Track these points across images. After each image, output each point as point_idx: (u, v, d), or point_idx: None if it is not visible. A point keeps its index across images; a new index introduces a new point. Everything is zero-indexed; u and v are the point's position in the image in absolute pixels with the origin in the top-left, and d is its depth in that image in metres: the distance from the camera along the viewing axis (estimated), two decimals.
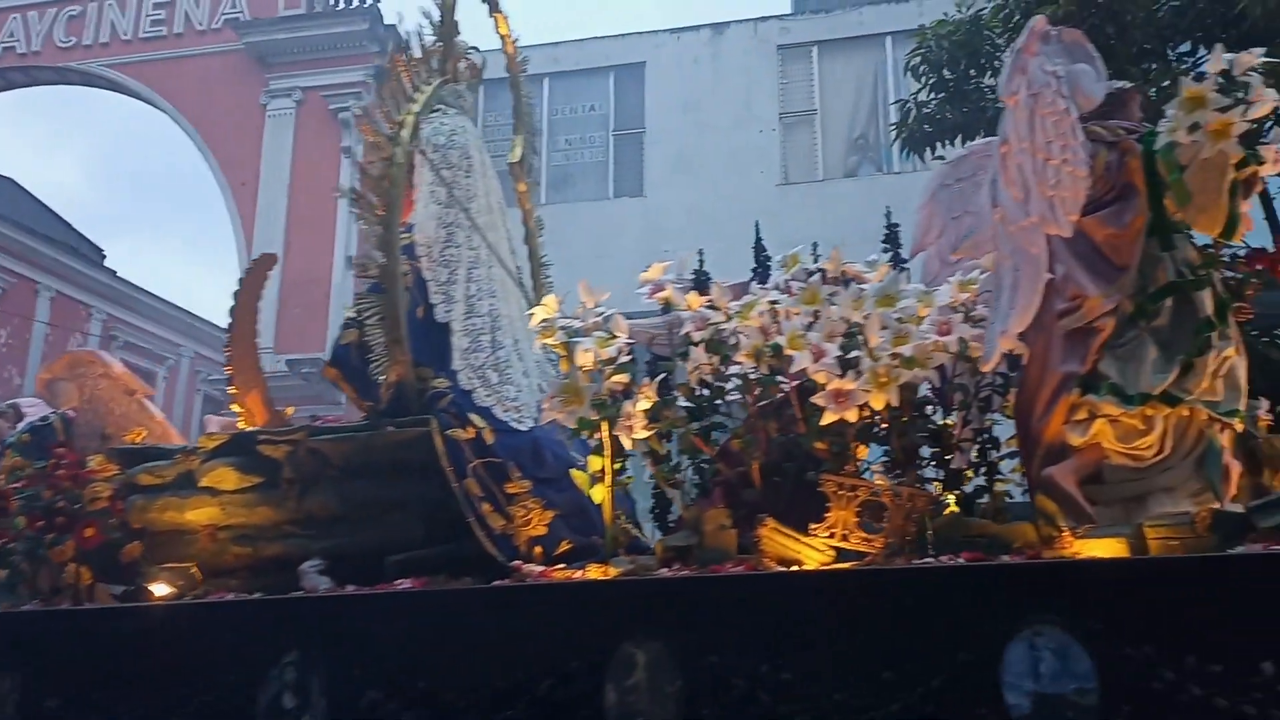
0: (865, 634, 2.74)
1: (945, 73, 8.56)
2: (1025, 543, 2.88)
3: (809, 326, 3.21)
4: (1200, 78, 3.12)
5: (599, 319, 3.23)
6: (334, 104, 14.78)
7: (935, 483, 3.53)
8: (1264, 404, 3.53)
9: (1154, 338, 3.19)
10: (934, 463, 3.56)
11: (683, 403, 3.48)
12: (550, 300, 3.37)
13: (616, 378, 3.16)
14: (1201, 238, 3.39)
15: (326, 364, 4.05)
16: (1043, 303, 3.42)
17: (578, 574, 3.17)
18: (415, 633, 3.19)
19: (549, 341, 3.25)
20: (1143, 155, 3.27)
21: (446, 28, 4.54)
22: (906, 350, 2.98)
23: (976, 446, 3.60)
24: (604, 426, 3.16)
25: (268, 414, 4.35)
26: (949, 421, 3.57)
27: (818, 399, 3.07)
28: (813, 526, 3.10)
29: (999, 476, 3.63)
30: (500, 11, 5.37)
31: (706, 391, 3.47)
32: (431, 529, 3.55)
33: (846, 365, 3.18)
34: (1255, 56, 3.11)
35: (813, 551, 3.05)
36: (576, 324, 3.32)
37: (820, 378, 3.05)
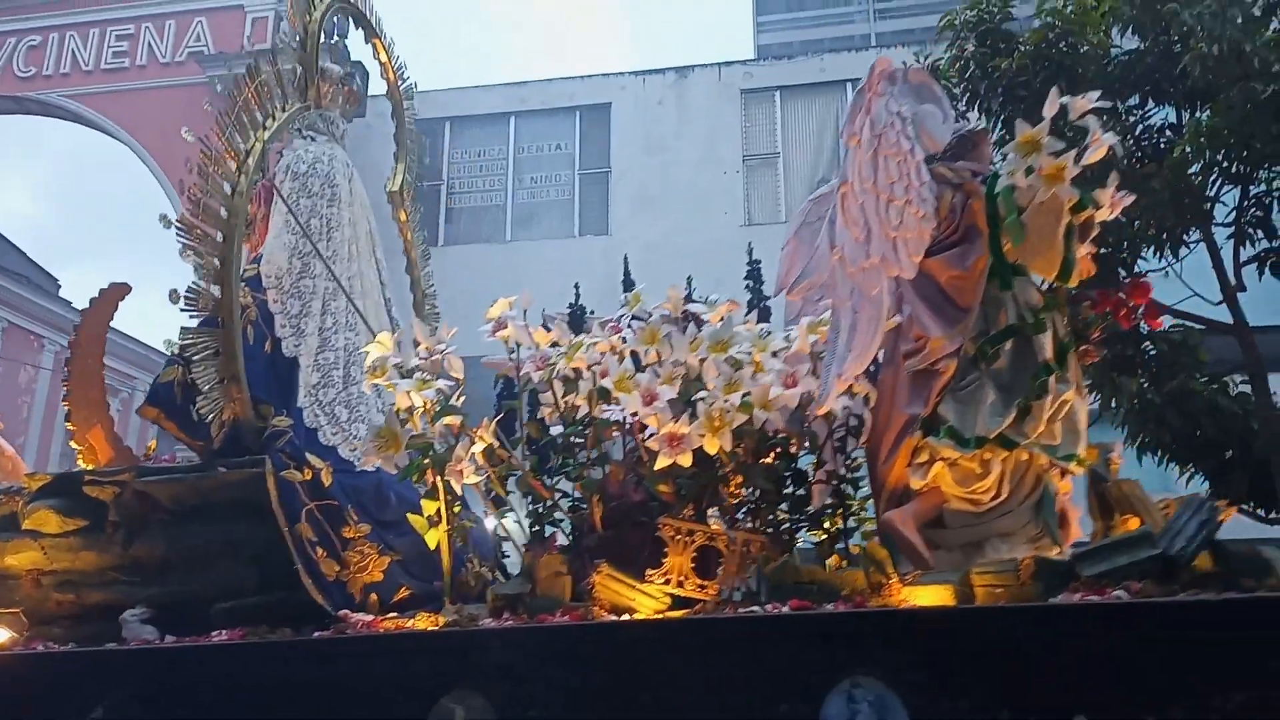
0: (691, 685, 2.66)
1: None
2: (854, 590, 2.81)
3: (648, 368, 3.13)
4: (1047, 120, 3.12)
5: (435, 359, 3.11)
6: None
7: (787, 526, 3.48)
8: (1116, 447, 3.55)
9: (994, 380, 3.18)
10: (786, 507, 3.52)
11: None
12: (385, 337, 3.24)
13: (447, 419, 3.05)
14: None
15: (145, 404, 3.85)
16: (893, 343, 3.42)
17: (409, 623, 3.03)
18: (235, 685, 3.03)
19: (378, 381, 3.12)
20: (985, 197, 3.27)
21: (310, 53, 4.41)
22: (735, 398, 2.91)
23: (832, 489, 3.56)
24: (433, 471, 3.04)
25: (112, 451, 4.13)
26: (819, 463, 3.54)
27: (651, 443, 2.99)
28: (649, 573, 3.02)
29: (856, 518, 3.61)
30: (379, 38, 5.27)
31: (553, 432, 3.38)
32: (264, 575, 3.38)
33: (691, 408, 3.12)
34: (1090, 101, 3.13)
35: (646, 599, 2.96)
36: (415, 362, 3.20)
37: (652, 421, 2.97)
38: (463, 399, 3.16)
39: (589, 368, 3.10)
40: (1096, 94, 3.16)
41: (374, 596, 3.35)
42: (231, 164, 3.69)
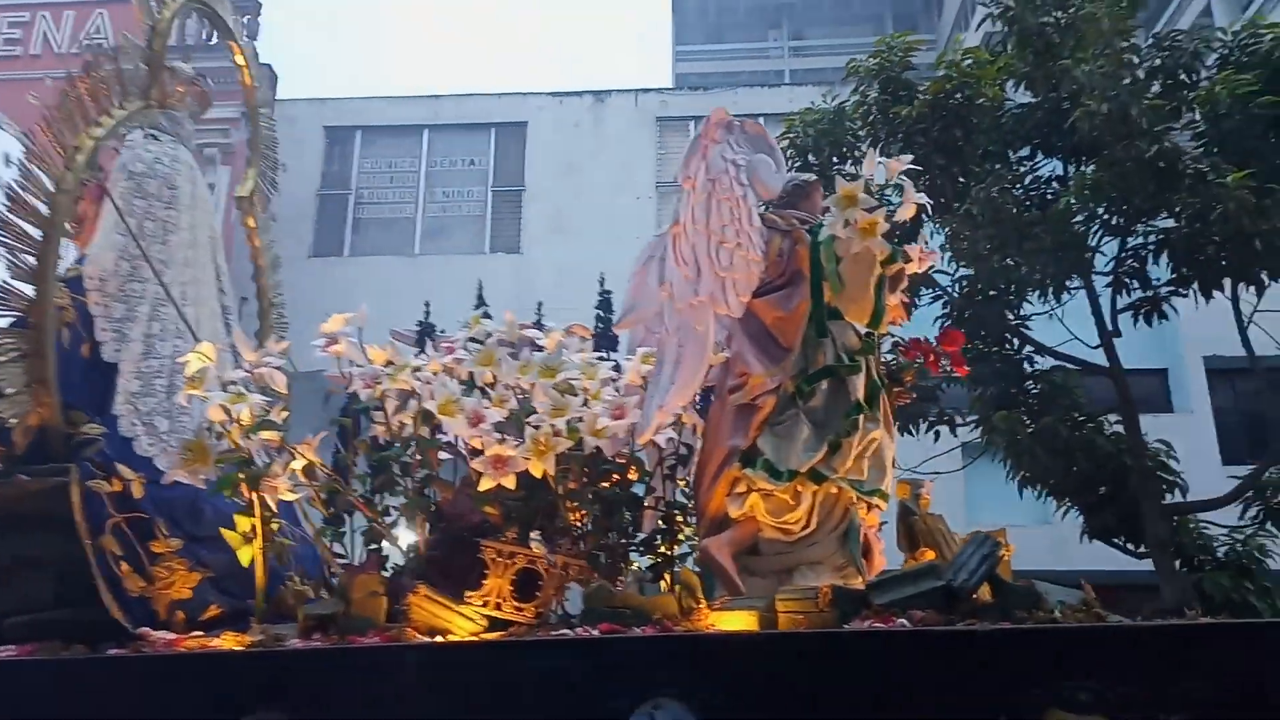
0: (499, 706, 2.68)
1: (810, 158, 9.03)
2: (665, 614, 2.91)
3: (485, 390, 3.17)
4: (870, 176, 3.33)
5: (259, 371, 3.06)
6: (200, 139, 13.79)
7: (613, 550, 3.56)
8: (927, 484, 3.78)
9: (809, 417, 3.35)
10: (616, 530, 3.60)
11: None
12: (207, 348, 3.17)
13: (265, 435, 3.00)
14: None
15: None
16: (722, 378, 3.56)
17: (213, 642, 2.95)
18: (24, 703, 2.87)
19: (195, 392, 3.04)
20: (810, 245, 3.46)
21: (156, 52, 4.28)
22: (560, 423, 2.97)
23: (660, 514, 3.66)
24: (246, 486, 2.98)
25: None
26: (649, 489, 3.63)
27: (476, 464, 3.02)
28: (468, 594, 3.03)
29: (688, 543, 3.72)
30: (235, 41, 5.15)
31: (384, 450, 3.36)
32: (63, 589, 3.22)
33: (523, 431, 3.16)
34: (903, 163, 3.36)
35: (463, 620, 2.97)
36: (238, 375, 3.14)
37: (477, 443, 3.00)
38: (286, 414, 3.11)
39: (423, 385, 3.11)
40: (909, 157, 3.40)
41: (180, 614, 3.23)
42: (58, 159, 3.54)
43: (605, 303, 4.28)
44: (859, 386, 3.40)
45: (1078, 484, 8.59)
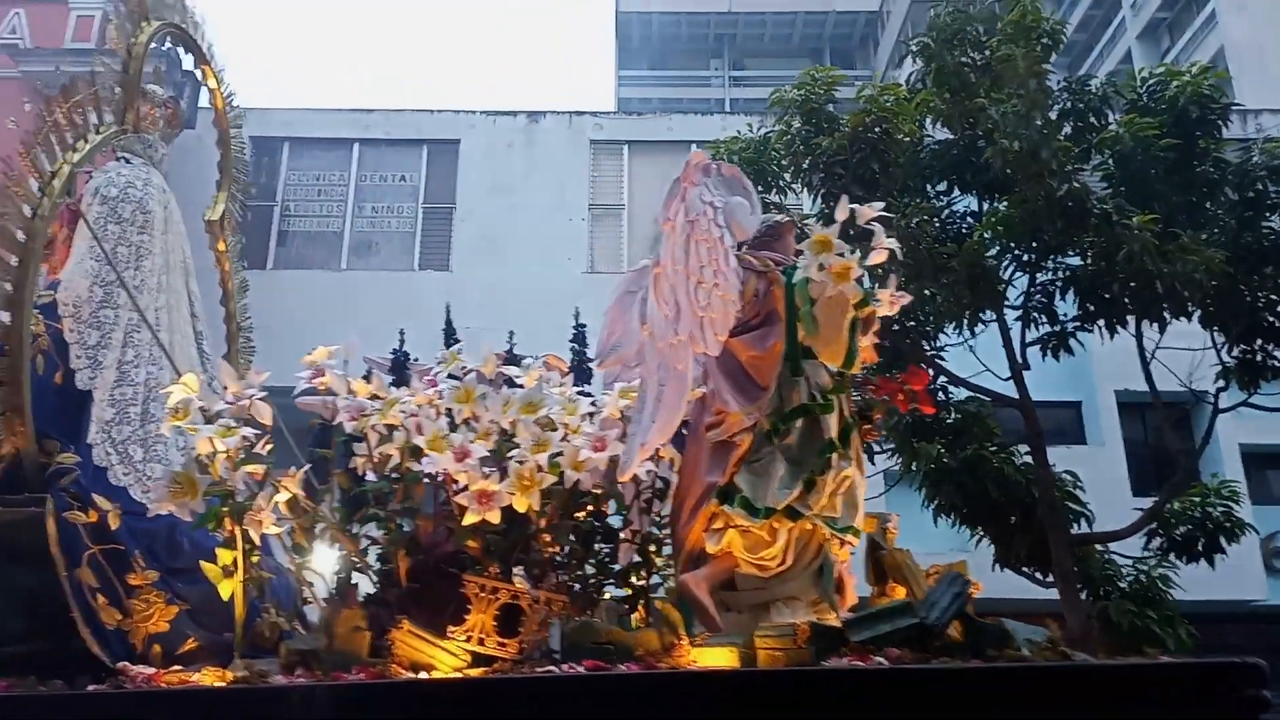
0: None
1: None
2: (647, 650, 2.96)
3: (464, 424, 3.20)
4: (830, 221, 3.44)
5: (242, 404, 3.07)
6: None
7: (598, 581, 3.61)
8: (893, 518, 3.89)
9: (785, 455, 3.44)
10: (594, 563, 3.65)
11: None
12: (190, 378, 3.16)
13: (249, 468, 3.00)
14: None
15: None
16: (699, 414, 3.64)
17: (193, 677, 2.94)
18: None
19: (180, 423, 3.04)
20: (785, 286, 3.55)
21: (132, 76, 4.26)
22: (543, 458, 3.02)
23: (637, 547, 3.72)
24: (229, 519, 2.98)
25: None
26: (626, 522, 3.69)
27: (461, 499, 3.06)
28: (451, 629, 3.06)
29: (661, 575, 3.78)
30: (208, 63, 5.14)
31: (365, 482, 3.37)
32: (35, 622, 3.18)
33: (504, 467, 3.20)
34: (875, 210, 3.48)
35: (447, 656, 3.00)
36: (220, 406, 3.14)
37: (462, 478, 3.04)
38: (270, 446, 3.12)
39: (405, 419, 3.13)
40: (881, 204, 3.52)
41: (157, 648, 3.21)
42: (34, 185, 3.52)
43: (580, 336, 4.30)
44: (832, 425, 3.49)
45: (989, 513, 8.81)
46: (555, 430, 3.19)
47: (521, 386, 3.46)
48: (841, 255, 3.28)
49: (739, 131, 9.93)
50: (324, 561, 3.42)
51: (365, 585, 3.52)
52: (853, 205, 3.42)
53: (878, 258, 3.44)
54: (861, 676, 2.70)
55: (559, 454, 3.14)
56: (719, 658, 2.93)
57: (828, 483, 3.39)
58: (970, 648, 2.93)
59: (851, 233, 3.43)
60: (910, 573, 3.67)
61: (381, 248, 15.29)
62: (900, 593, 3.52)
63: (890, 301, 3.55)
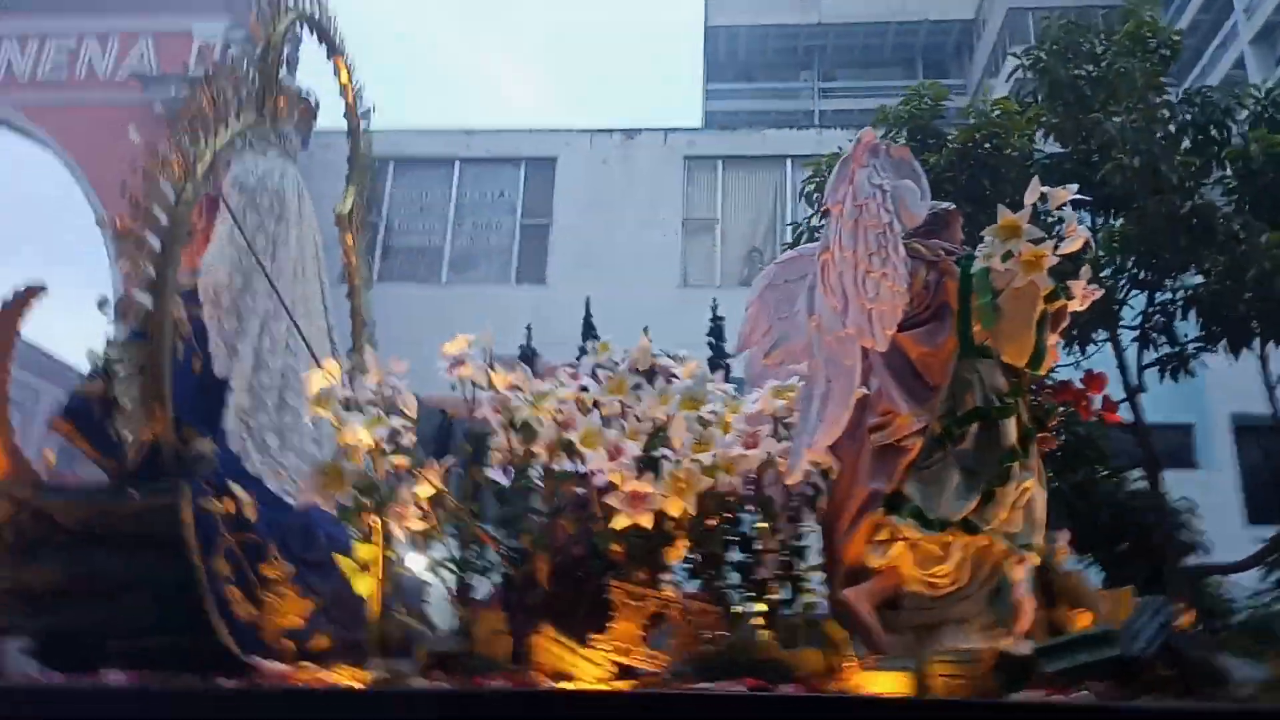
0: None
1: None
2: (809, 671, 2.69)
3: (609, 420, 3.00)
4: (1017, 207, 3.13)
5: (386, 394, 2.92)
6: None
7: (735, 591, 3.36)
8: (1063, 537, 3.53)
9: (958, 462, 3.12)
10: (738, 571, 3.40)
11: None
12: (331, 365, 3.04)
13: (395, 459, 2.85)
14: None
15: (58, 416, 3.54)
16: (859, 415, 3.34)
17: (328, 676, 2.79)
18: None
19: (322, 413, 2.90)
20: (960, 277, 3.25)
21: (270, 65, 4.22)
22: (706, 458, 2.79)
23: (782, 558, 3.45)
24: (371, 514, 2.83)
25: (11, 465, 3.76)
26: (762, 526, 3.43)
27: (611, 500, 2.84)
28: (594, 638, 2.85)
29: (805, 589, 3.50)
30: (341, 56, 5.10)
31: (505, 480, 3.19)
32: (168, 613, 3.08)
33: (650, 465, 2.98)
34: (1070, 192, 3.15)
35: (590, 665, 2.78)
36: (365, 395, 3.00)
37: (615, 478, 2.83)
38: (414, 439, 2.96)
39: (553, 416, 2.94)
40: (1075, 186, 3.19)
41: (290, 643, 3.08)
42: (178, 169, 3.46)
43: (717, 330, 4.08)
44: (1011, 431, 3.17)
45: (1101, 539, 8.31)
46: (710, 428, 2.94)
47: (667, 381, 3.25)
48: (1034, 242, 2.96)
49: (839, 147, 9.61)
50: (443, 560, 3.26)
51: (484, 587, 3.35)
52: (1043, 188, 3.10)
53: (1073, 246, 3.11)
54: (1068, 714, 2.37)
55: (716, 453, 2.89)
56: (890, 683, 2.63)
57: (1009, 494, 3.07)
58: (1180, 684, 2.57)
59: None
60: (1089, 597, 3.33)
61: (480, 263, 15.71)
62: (1085, 619, 3.18)
63: (1084, 295, 3.20)
